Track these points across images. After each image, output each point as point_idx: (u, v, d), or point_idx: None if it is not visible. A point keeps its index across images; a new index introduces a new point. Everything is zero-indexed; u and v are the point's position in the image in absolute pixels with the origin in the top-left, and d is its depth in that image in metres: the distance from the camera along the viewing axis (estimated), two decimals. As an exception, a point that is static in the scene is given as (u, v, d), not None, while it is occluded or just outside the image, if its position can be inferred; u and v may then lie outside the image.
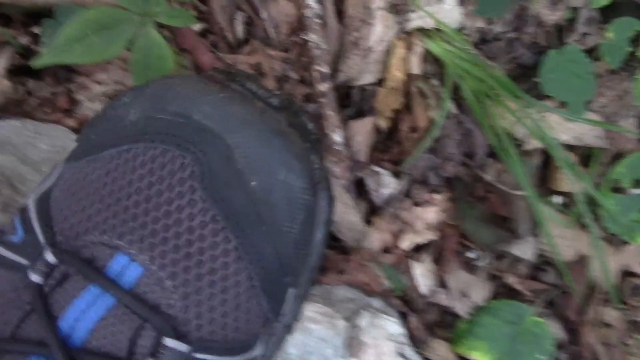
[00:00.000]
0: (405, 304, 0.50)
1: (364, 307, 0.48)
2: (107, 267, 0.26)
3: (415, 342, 0.50)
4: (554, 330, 0.52)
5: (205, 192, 0.26)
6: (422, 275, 0.51)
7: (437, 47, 0.50)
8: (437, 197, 0.51)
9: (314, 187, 0.30)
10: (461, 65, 0.49)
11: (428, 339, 0.50)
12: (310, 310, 0.46)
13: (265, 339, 0.30)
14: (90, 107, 0.46)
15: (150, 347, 0.25)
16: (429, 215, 0.51)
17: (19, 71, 0.45)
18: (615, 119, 0.53)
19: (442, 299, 0.51)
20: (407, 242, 0.51)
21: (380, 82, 0.51)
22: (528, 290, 0.52)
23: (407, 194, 0.51)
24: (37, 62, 0.37)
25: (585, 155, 0.53)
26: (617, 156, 0.53)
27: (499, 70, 0.51)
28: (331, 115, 0.49)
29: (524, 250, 0.52)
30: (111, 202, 0.27)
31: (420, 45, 0.50)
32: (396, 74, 0.50)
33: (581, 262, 0.52)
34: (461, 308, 0.51)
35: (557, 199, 0.53)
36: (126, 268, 0.26)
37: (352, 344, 0.46)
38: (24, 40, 0.45)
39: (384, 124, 0.51)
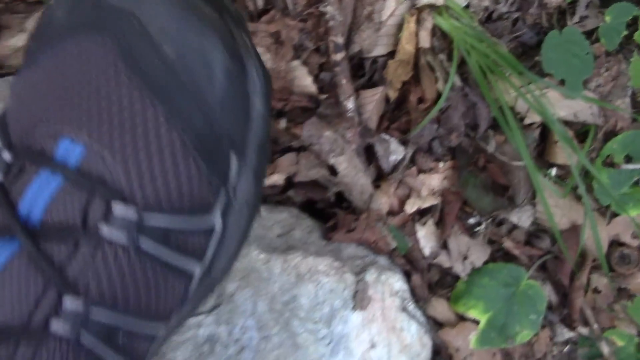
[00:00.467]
0: (409, 263, 0.53)
1: (371, 264, 0.51)
2: (54, 153, 0.28)
3: (417, 299, 0.53)
4: (547, 293, 0.55)
5: (129, 69, 0.29)
6: (425, 237, 0.54)
7: (445, 23, 0.53)
8: (441, 165, 0.54)
9: (234, 55, 0.32)
10: (468, 40, 0.52)
11: (429, 297, 0.54)
12: (322, 264, 0.49)
13: (222, 210, 0.32)
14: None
15: (102, 214, 0.27)
16: (432, 181, 0.54)
17: None
18: (611, 98, 0.56)
19: (443, 260, 0.54)
20: (411, 206, 0.54)
21: (391, 55, 0.54)
22: (524, 255, 0.55)
23: (413, 161, 0.54)
24: None
25: (581, 132, 0.56)
26: (611, 133, 0.56)
27: (503, 47, 0.54)
28: (344, 83, 0.52)
29: (521, 217, 0.55)
30: (51, 97, 0.30)
31: (429, 20, 0.53)
32: (406, 47, 0.53)
33: (574, 231, 0.55)
34: (461, 269, 0.54)
35: (554, 171, 0.56)
36: (70, 150, 0.28)
37: (360, 297, 0.50)
38: None
39: (393, 94, 0.54)
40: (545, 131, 0.56)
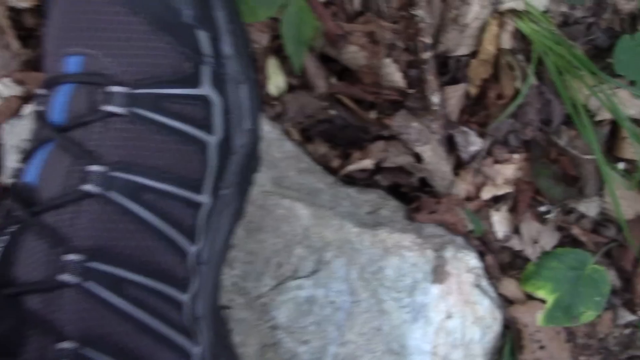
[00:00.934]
0: (483, 244, 0.58)
1: (449, 243, 0.57)
2: (65, 69, 0.36)
3: (490, 277, 0.58)
4: (611, 277, 0.59)
5: None
6: (498, 222, 0.59)
7: (525, 27, 0.58)
8: (516, 156, 0.59)
9: None
10: (546, 43, 0.57)
11: (501, 276, 0.59)
12: (406, 240, 0.55)
13: (211, 81, 0.38)
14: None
15: (104, 98, 0.35)
16: (507, 171, 0.59)
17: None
18: (678, 99, 0.60)
19: (515, 243, 0.59)
20: (487, 193, 0.59)
21: (473, 54, 0.59)
22: (590, 242, 0.59)
23: (489, 153, 0.59)
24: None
25: (648, 130, 0.60)
26: (678, 132, 0.60)
27: (578, 50, 0.58)
28: (431, 79, 0.57)
29: (589, 207, 0.60)
30: (56, 29, 0.38)
31: (511, 24, 0.58)
32: (488, 48, 0.58)
33: (639, 221, 0.60)
34: (531, 252, 0.59)
35: (622, 165, 0.60)
36: (75, 62, 0.36)
37: (438, 271, 0.55)
38: None
39: (474, 90, 0.59)
40: (615, 128, 0.60)
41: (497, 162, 0.59)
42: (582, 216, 0.60)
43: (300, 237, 0.52)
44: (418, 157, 0.57)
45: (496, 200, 0.59)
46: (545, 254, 0.59)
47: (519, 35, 0.59)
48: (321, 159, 0.57)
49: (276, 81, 0.57)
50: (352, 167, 0.56)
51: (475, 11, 0.58)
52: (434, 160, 0.57)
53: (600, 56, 0.60)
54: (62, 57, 0.37)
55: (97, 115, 0.35)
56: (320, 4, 0.56)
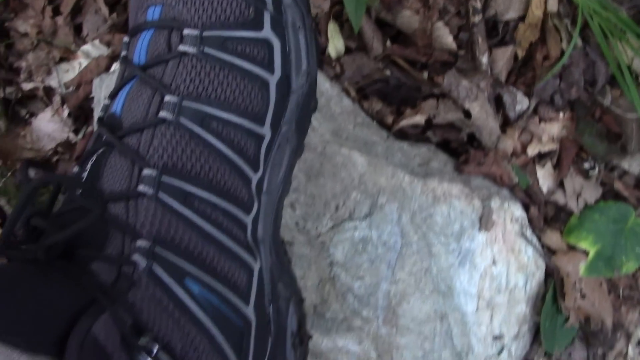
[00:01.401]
0: (528, 197, 0.62)
1: (495, 194, 0.60)
2: (146, 19, 0.41)
3: (534, 228, 0.62)
4: (653, 231, 0.62)
5: None
6: (543, 177, 0.63)
7: (572, -9, 0.61)
8: (561, 115, 0.63)
9: None
10: (591, 6, 0.60)
11: (544, 228, 0.62)
12: (454, 189, 0.59)
13: (271, 26, 0.42)
14: None
15: (178, 39, 0.40)
16: (553, 129, 0.63)
17: None
18: None
19: (559, 197, 0.63)
20: (533, 150, 0.63)
21: (521, 18, 0.62)
22: (632, 197, 0.62)
23: (535, 111, 0.63)
24: None
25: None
26: None
27: (623, 13, 0.61)
28: (480, 41, 0.61)
29: (632, 164, 0.63)
30: None
31: (558, -11, 0.61)
32: (535, 12, 0.62)
33: (681, 178, 0.62)
34: (574, 205, 0.62)
35: (665, 124, 0.63)
36: (154, 11, 0.41)
37: (485, 220, 0.59)
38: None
39: (521, 53, 0.63)
40: (658, 89, 0.62)
41: (542, 120, 0.63)
42: (625, 172, 0.63)
43: (356, 183, 0.57)
44: (467, 114, 0.61)
45: (541, 156, 0.63)
46: (588, 208, 0.62)
47: (565, 0, 0.62)
48: (376, 115, 0.62)
49: (335, 44, 0.62)
50: (405, 123, 0.61)
51: (524, -23, 0.61)
52: (482, 116, 0.60)
53: (646, 20, 0.63)
54: (144, 8, 0.43)
55: (172, 55, 0.40)
56: (377, -28, 0.61)
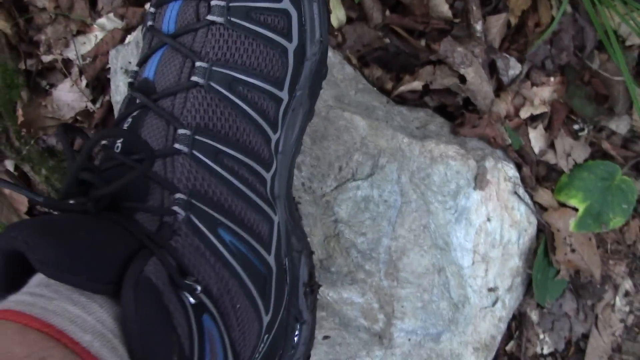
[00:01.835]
0: (521, 157, 0.65)
1: (489, 154, 0.64)
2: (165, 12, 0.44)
3: (526, 187, 0.66)
4: (638, 188, 0.66)
5: None
6: (535, 138, 0.66)
7: (562, -40, 0.64)
8: (552, 79, 0.66)
9: None
10: (580, -26, 0.63)
11: (536, 186, 0.66)
12: (451, 150, 0.62)
13: None
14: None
15: (206, 10, 0.42)
16: (544, 93, 0.66)
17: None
18: None
19: (550, 157, 0.66)
20: (525, 113, 0.66)
21: (514, -13, 0.65)
22: (620, 156, 0.66)
23: (528, 76, 0.66)
24: None
25: (677, 55, 0.66)
26: None
27: (611, -19, 0.64)
28: (475, 10, 0.64)
29: (619, 125, 0.66)
30: None
31: (548, -42, 0.64)
32: (527, -19, 0.65)
33: (666, 138, 0.66)
34: (565, 165, 0.66)
35: (650, 87, 0.66)
36: (173, 8, 0.44)
37: (479, 179, 0.63)
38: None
39: (514, 20, 0.66)
40: (644, 53, 0.66)
41: (534, 84, 0.66)
42: (613, 133, 0.66)
43: (358, 145, 0.60)
44: (462, 79, 0.64)
45: (533, 119, 0.66)
46: (577, 167, 0.66)
47: (555, -31, 0.65)
48: (376, 82, 0.65)
49: (337, 14, 0.66)
50: (403, 88, 0.64)
51: (516, -52, 0.64)
52: (477, 81, 0.64)
53: (633, -13, 0.66)
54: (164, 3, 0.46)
55: (201, 24, 0.44)
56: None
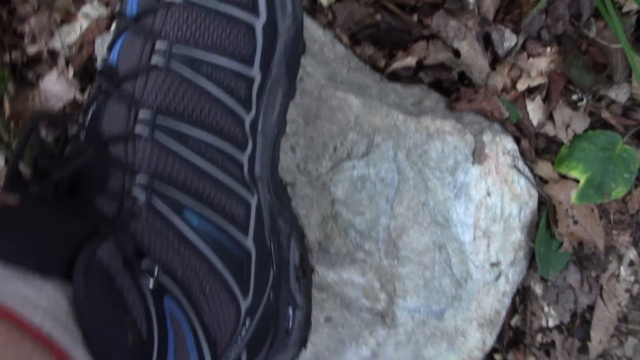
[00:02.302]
0: (519, 130, 0.64)
1: (487, 128, 0.63)
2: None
3: (526, 161, 0.65)
4: (639, 155, 0.65)
5: None
6: (533, 110, 0.65)
7: None
8: (548, 50, 0.65)
9: None
10: (574, -60, 0.62)
11: (536, 159, 0.65)
12: (447, 125, 0.61)
13: None
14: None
15: None
16: (541, 64, 0.65)
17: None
18: None
19: (549, 129, 0.65)
20: (522, 85, 0.65)
21: (506, -44, 0.64)
22: (620, 125, 0.65)
23: (523, 47, 0.65)
24: None
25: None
26: None
27: (605, -55, 0.63)
28: (466, -19, 0.63)
29: (619, 94, 0.65)
30: None
31: None
32: (519, -51, 0.63)
33: (667, 104, 0.64)
34: (564, 136, 0.65)
35: (649, 53, 0.65)
36: None
37: (478, 153, 0.62)
38: None
39: (507, -10, 0.65)
40: (641, 18, 0.64)
41: (530, 55, 0.65)
42: (612, 102, 0.65)
43: (352, 124, 0.59)
44: (457, 53, 0.63)
45: (530, 90, 0.65)
46: (577, 137, 0.65)
47: None
48: (369, 59, 0.64)
49: (326, -8, 0.64)
50: (396, 65, 0.63)
51: None
52: (471, 54, 0.63)
53: (628, -49, 0.64)
54: None
55: (160, 4, 0.43)
56: None
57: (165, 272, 0.38)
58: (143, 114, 0.41)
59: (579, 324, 0.69)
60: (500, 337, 0.68)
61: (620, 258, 0.67)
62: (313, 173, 0.59)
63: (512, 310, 0.68)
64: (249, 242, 0.45)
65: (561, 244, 0.65)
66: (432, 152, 0.61)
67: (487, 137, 0.62)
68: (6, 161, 0.60)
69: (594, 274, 0.67)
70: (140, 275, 0.36)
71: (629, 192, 0.65)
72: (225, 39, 0.44)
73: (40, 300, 0.30)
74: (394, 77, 0.64)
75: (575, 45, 0.65)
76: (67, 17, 0.63)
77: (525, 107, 0.65)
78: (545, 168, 0.65)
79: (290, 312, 0.53)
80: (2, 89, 0.60)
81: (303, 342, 0.56)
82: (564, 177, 0.65)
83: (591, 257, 0.67)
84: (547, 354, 0.69)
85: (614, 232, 0.67)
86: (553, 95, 0.65)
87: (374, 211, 0.60)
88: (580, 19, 0.64)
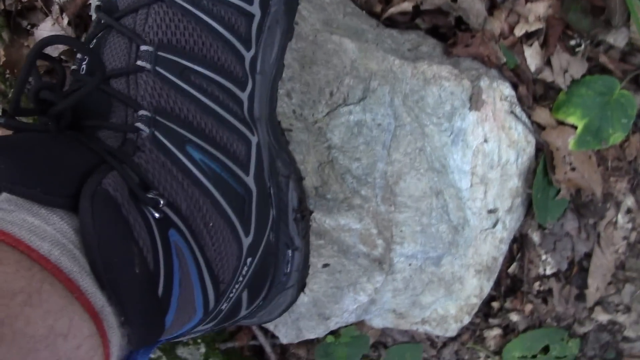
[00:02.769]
0: (516, 76, 0.64)
1: (484, 74, 0.63)
2: None
3: (523, 107, 0.64)
4: (638, 101, 0.64)
5: None
6: (531, 56, 0.64)
7: None
8: (546, -6, 0.64)
9: None
10: None
11: (534, 106, 0.65)
12: (444, 70, 0.61)
13: None
14: None
15: None
16: (539, 9, 0.64)
17: None
18: None
19: (547, 75, 0.65)
20: (520, 30, 0.64)
21: None
22: (618, 70, 0.64)
23: (521, -8, 0.64)
24: None
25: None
26: None
27: None
28: None
29: (617, 38, 0.64)
30: None
31: None
32: None
33: (665, 48, 0.64)
34: (562, 81, 0.64)
35: (648, -4, 0.64)
36: None
37: (475, 99, 0.61)
38: None
39: None
40: (641, -40, 0.63)
41: (528, 0, 0.64)
42: (610, 47, 0.65)
43: (348, 69, 0.59)
44: (453, -3, 0.62)
45: (528, 36, 0.65)
46: (575, 83, 0.64)
47: None
48: (365, 5, 0.63)
49: (321, -62, 0.63)
50: (393, 10, 0.63)
51: None
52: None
53: None
54: None
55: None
56: None
57: (170, 206, 0.38)
58: (145, 47, 0.40)
59: (576, 272, 0.69)
60: (497, 285, 0.68)
61: (617, 205, 0.67)
62: (309, 119, 0.59)
63: (510, 258, 0.69)
64: (250, 180, 0.45)
65: (559, 191, 0.65)
66: (428, 98, 0.60)
67: (484, 83, 0.62)
68: (4, 111, 0.59)
69: (591, 221, 0.67)
70: (146, 205, 0.36)
71: (627, 139, 0.65)
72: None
73: (48, 229, 0.30)
74: (391, 22, 0.64)
75: (574, -11, 0.64)
76: (60, -36, 0.62)
77: (522, 52, 0.64)
78: (542, 114, 0.65)
79: (289, 254, 0.53)
80: (-4, 36, 0.60)
81: (302, 285, 0.57)
82: (561, 123, 0.65)
83: (589, 204, 0.67)
84: (545, 301, 0.70)
85: (612, 179, 0.67)
86: (551, 41, 0.64)
87: (370, 157, 0.60)
88: (579, -38, 0.63)
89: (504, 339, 0.72)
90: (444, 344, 0.74)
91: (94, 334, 0.30)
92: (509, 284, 0.69)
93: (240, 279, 0.45)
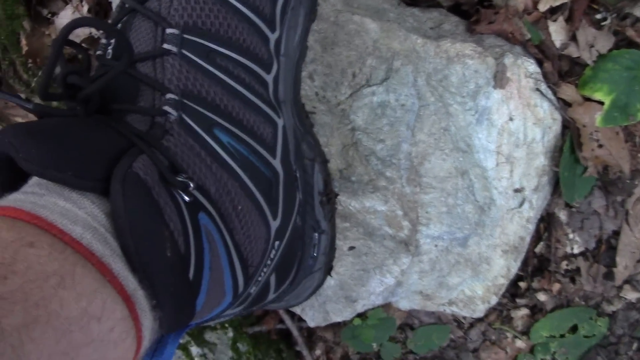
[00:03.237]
0: (541, 52, 0.63)
1: (508, 51, 0.62)
2: None
3: (548, 83, 0.63)
4: (667, 75, 0.63)
5: None
6: (555, 31, 0.63)
7: None
8: (571, -32, 0.63)
9: None
10: None
11: (559, 82, 0.64)
12: (467, 48, 0.60)
13: None
14: None
15: None
16: (563, -17, 0.63)
17: None
18: None
19: (572, 50, 0.63)
20: (544, 5, 0.63)
21: None
22: (646, 43, 0.63)
23: (545, -34, 0.63)
24: None
25: None
26: None
27: None
28: None
29: (645, 10, 0.63)
30: None
31: None
32: None
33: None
34: (588, 57, 0.63)
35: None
36: None
37: (499, 77, 0.60)
38: None
39: None
40: None
41: (553, -25, 0.63)
42: (637, 19, 0.63)
43: (370, 49, 0.58)
44: (475, -26, 0.61)
45: (553, 11, 0.63)
46: (601, 58, 0.63)
47: None
48: (385, -16, 0.63)
49: None
50: (414, -12, 0.62)
51: None
52: (491, -25, 0.61)
53: None
54: None
55: None
56: None
57: (199, 189, 0.38)
58: (170, 30, 0.40)
59: (604, 250, 0.68)
60: (524, 265, 0.68)
61: (646, 181, 0.66)
62: (332, 101, 0.59)
63: (537, 238, 0.68)
64: (277, 164, 0.45)
65: (586, 168, 0.65)
66: (452, 77, 0.60)
67: (508, 60, 0.61)
68: (28, 87, 0.60)
69: (619, 198, 0.67)
70: (177, 189, 0.36)
71: (656, 113, 0.63)
72: None
73: (80, 213, 0.30)
74: (412, 1, 0.63)
75: (599, -39, 0.63)
76: (79, -48, 0.62)
77: (547, 28, 0.63)
78: (568, 91, 0.64)
79: (316, 237, 0.53)
80: (18, 26, 0.60)
81: (328, 268, 0.57)
82: (588, 99, 0.64)
83: (616, 181, 0.66)
84: (572, 280, 0.69)
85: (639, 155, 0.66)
86: (576, 15, 0.63)
87: (394, 138, 0.59)
88: None
89: (531, 319, 0.71)
90: (471, 325, 0.74)
91: (126, 317, 0.30)
92: (536, 264, 0.69)
93: (269, 262, 0.45)
